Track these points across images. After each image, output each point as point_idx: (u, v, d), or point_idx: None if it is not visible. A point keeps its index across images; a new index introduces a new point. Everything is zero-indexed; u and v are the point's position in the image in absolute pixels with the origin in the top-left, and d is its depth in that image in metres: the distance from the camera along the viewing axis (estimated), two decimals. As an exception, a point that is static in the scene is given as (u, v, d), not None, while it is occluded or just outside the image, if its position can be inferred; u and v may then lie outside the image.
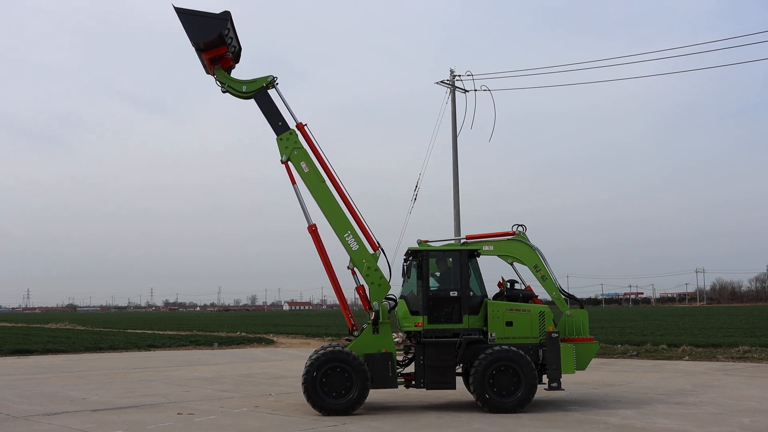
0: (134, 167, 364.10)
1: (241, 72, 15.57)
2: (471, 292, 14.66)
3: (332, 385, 13.81)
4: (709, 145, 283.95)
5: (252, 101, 15.27)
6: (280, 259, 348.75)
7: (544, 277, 15.24)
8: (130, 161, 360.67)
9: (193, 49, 14.83)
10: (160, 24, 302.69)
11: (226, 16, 14.54)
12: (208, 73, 15.44)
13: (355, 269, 14.81)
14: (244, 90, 15.21)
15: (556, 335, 14.41)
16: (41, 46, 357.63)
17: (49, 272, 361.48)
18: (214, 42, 14.65)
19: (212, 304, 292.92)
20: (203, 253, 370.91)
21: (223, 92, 15.29)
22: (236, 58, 15.59)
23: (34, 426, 12.83)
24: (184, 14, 14.47)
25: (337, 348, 14.26)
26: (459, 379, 15.10)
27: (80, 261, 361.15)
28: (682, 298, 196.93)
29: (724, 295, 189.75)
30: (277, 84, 15.32)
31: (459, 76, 33.15)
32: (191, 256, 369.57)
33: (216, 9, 14.55)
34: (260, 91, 15.22)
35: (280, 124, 15.15)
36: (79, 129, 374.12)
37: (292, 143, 15.06)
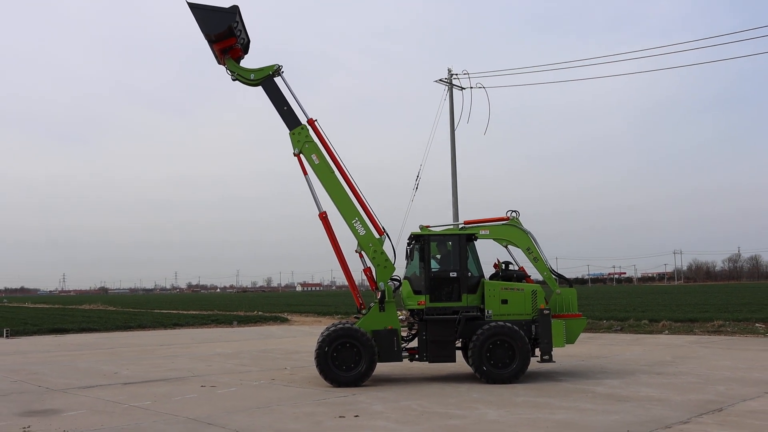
0: (157, 162, 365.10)
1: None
2: (469, 273, 14.60)
3: (342, 359, 13.79)
4: (684, 138, 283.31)
5: (260, 89, 15.16)
6: (293, 243, 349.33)
7: (536, 259, 15.18)
8: (152, 157, 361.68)
9: (206, 41, 14.79)
10: (177, 33, 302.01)
11: (234, 10, 14.49)
12: (219, 63, 15.37)
13: (363, 252, 14.76)
14: (252, 78, 15.10)
15: (548, 312, 14.37)
16: (70, 53, 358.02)
17: (83, 258, 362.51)
18: (224, 34, 14.59)
19: (231, 286, 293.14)
20: (223, 239, 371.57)
21: (233, 80, 15.19)
22: (245, 50, 15.51)
23: (71, 398, 12.85)
24: (196, 8, 14.44)
25: (347, 325, 14.22)
26: (459, 353, 15.07)
27: (111, 248, 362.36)
28: (661, 277, 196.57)
29: (699, 274, 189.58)
30: (282, 72, 15.20)
31: (456, 74, 32.92)
32: (212, 241, 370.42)
33: (226, 4, 14.61)
34: (267, 79, 15.12)
35: (285, 108, 15.02)
36: (106, 128, 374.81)
37: (304, 137, 14.97)
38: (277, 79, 15.18)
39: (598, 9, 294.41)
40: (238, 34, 14.80)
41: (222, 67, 15.35)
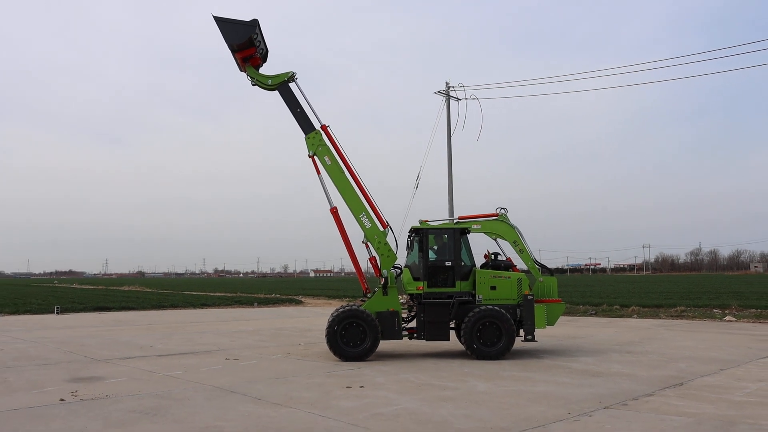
0: (186, 161, 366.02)
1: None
2: (462, 263, 14.61)
3: (350, 336, 13.83)
4: (655, 147, 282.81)
5: (277, 94, 15.13)
6: (308, 234, 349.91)
7: (522, 251, 15.19)
8: (182, 156, 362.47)
9: (229, 50, 14.79)
10: (206, 48, 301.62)
11: (254, 23, 14.50)
12: (241, 70, 15.35)
13: (368, 243, 14.77)
14: (269, 83, 15.06)
15: (531, 297, 14.38)
16: (112, 65, 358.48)
17: (123, 245, 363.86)
18: (245, 44, 14.60)
19: (252, 272, 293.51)
20: (246, 230, 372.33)
21: (253, 85, 15.17)
22: (264, 58, 15.49)
23: (113, 367, 12.93)
24: (221, 21, 14.46)
25: (354, 307, 14.26)
26: (452, 333, 15.09)
27: (147, 236, 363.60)
28: (631, 268, 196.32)
29: (665, 266, 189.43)
30: (296, 79, 15.17)
31: (453, 87, 32.84)
32: (236, 232, 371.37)
33: (247, 18, 14.64)
34: (283, 84, 15.09)
35: (299, 111, 14.98)
36: (142, 131, 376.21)
37: (317, 141, 14.97)
38: (292, 86, 15.15)
39: (581, 29, 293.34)
40: (258, 44, 14.81)
41: (243, 74, 15.35)
